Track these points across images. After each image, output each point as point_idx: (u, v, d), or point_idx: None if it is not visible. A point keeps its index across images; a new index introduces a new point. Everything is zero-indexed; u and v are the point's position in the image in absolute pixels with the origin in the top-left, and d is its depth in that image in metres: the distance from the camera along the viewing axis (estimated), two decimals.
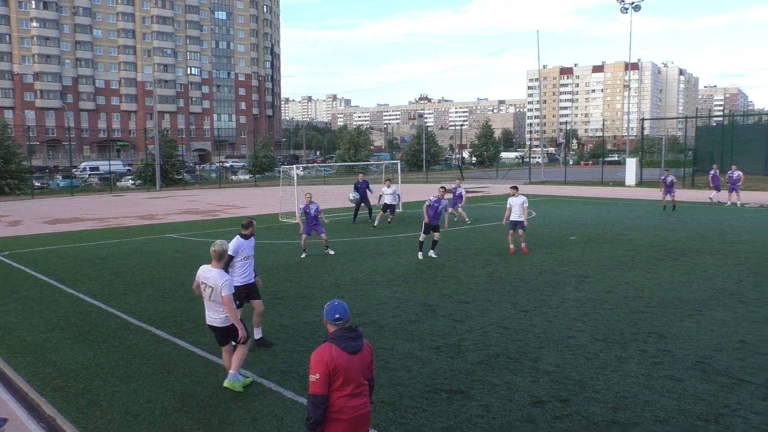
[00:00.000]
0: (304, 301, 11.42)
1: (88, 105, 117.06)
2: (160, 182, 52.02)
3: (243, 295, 8.56)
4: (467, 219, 23.09)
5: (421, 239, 15.68)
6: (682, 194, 33.16)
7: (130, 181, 58.58)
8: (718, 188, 29.80)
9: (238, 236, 8.70)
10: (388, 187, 22.50)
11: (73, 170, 60.90)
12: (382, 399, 6.73)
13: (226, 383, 7.17)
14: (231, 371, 7.18)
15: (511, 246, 16.19)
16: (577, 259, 15.06)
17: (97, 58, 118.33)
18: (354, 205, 23.82)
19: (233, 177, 70.43)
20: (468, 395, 6.89)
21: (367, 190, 23.55)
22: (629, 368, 7.59)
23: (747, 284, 12.00)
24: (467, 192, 25.77)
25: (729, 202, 28.09)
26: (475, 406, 6.60)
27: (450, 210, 20.75)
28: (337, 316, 4.44)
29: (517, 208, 16.07)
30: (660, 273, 13.19)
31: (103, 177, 59.52)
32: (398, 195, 23.38)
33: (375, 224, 21.85)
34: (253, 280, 8.78)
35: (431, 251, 15.71)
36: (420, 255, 15.54)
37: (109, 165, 58.73)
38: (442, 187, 15.97)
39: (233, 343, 7.25)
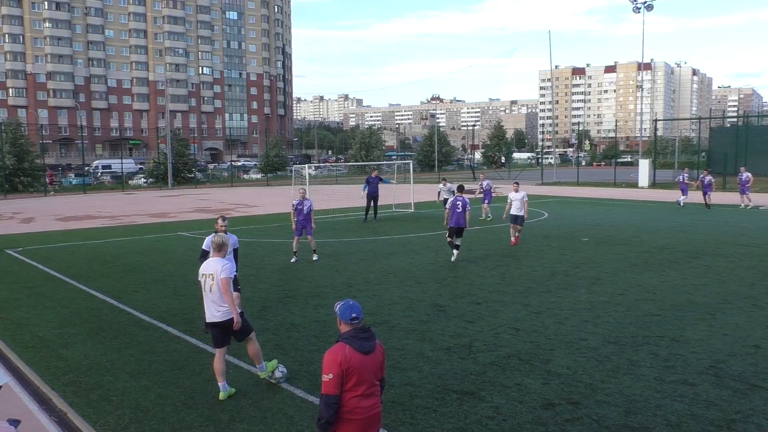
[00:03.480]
0: (315, 300, 11.43)
1: (101, 104, 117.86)
2: (171, 181, 52.29)
3: None
4: (489, 216, 23.47)
5: (449, 240, 15.09)
6: (696, 196, 32.94)
7: (142, 180, 58.92)
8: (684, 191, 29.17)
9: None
10: (444, 184, 23.71)
11: (86, 168, 61.36)
12: (392, 399, 6.71)
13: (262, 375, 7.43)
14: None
15: (513, 238, 17.31)
16: (589, 260, 14.97)
17: (109, 58, 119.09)
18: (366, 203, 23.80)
19: (245, 176, 70.69)
20: (478, 396, 6.87)
21: (378, 186, 23.66)
22: (641, 372, 7.53)
23: (761, 288, 11.88)
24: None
25: (742, 204, 27.87)
26: (485, 408, 6.57)
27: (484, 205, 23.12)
28: (353, 315, 4.43)
29: (517, 203, 17.15)
30: (673, 276, 13.09)
31: (116, 175, 59.90)
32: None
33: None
34: None
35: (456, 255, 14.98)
36: (454, 256, 14.91)
37: (122, 163, 59.10)
38: (460, 185, 15.89)
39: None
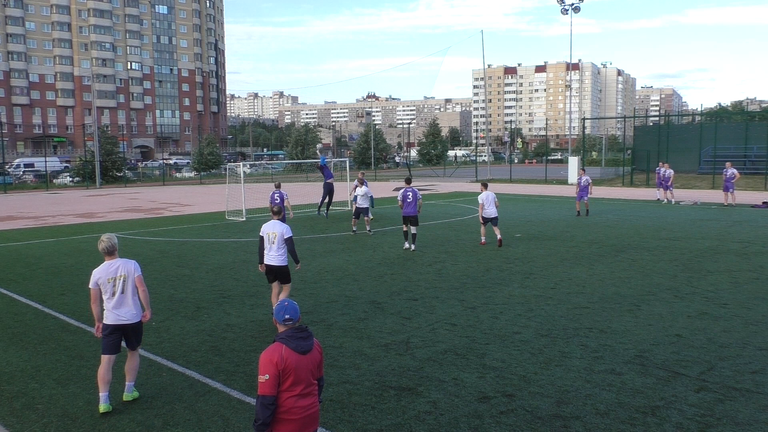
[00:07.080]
0: (251, 300, 11.28)
1: (22, 99, 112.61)
2: (100, 180, 50.53)
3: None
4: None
5: (405, 230, 16.58)
6: (622, 192, 34.21)
7: (68, 179, 56.66)
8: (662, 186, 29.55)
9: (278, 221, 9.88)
10: (361, 186, 19.87)
11: (6, 167, 58.51)
12: (330, 397, 6.71)
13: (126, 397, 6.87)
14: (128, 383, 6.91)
15: (483, 238, 17.12)
16: (522, 256, 15.35)
17: (31, 52, 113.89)
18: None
19: (177, 174, 69.08)
20: (416, 392, 6.94)
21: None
22: (572, 363, 7.78)
23: (682, 279, 12.47)
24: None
25: (664, 200, 29.11)
26: (422, 403, 6.65)
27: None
28: (287, 316, 4.39)
29: (489, 203, 16.86)
30: (601, 269, 13.58)
31: (39, 174, 57.38)
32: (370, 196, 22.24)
33: (354, 230, 19.94)
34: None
35: (412, 244, 16.31)
36: (405, 244, 16.47)
37: (45, 162, 56.67)
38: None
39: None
